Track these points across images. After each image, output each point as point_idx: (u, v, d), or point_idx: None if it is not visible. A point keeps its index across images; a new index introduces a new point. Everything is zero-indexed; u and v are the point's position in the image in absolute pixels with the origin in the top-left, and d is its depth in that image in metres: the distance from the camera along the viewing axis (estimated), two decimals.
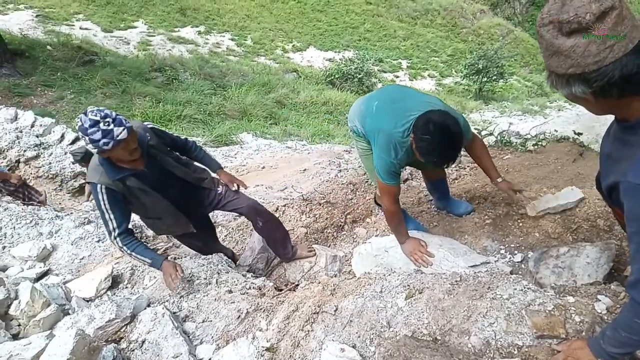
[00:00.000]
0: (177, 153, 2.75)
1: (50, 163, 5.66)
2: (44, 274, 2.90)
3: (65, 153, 5.90)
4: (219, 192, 2.85)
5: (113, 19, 17.26)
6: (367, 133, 2.53)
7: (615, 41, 1.02)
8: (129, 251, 2.42)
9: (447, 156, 2.16)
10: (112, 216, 2.36)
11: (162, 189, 2.52)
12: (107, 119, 2.13)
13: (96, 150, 2.18)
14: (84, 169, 5.38)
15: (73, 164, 5.39)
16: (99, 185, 2.31)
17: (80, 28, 15.43)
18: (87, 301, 2.54)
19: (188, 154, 2.82)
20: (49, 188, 5.48)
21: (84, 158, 4.76)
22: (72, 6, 17.41)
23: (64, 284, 2.66)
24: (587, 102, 1.16)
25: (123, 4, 18.70)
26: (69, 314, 2.36)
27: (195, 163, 2.86)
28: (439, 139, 2.07)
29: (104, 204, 2.33)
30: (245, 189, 3.06)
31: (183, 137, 2.84)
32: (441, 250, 2.56)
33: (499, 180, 2.60)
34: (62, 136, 6.19)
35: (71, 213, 4.14)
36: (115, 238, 2.39)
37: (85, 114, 2.13)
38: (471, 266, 2.40)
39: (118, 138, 2.15)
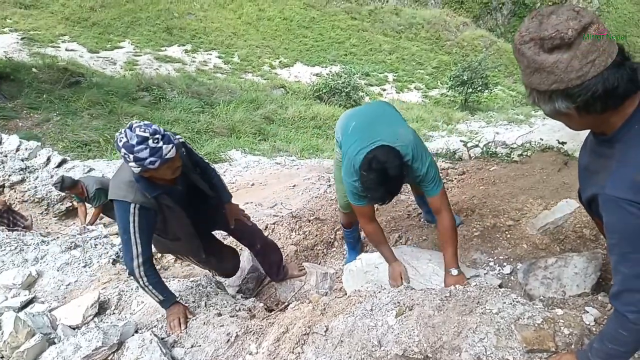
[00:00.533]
0: None
1: (36, 187, 5.60)
2: (29, 302, 2.84)
3: (51, 176, 5.85)
4: (224, 211, 2.79)
5: (99, 40, 17.30)
6: (342, 151, 2.53)
7: (596, 56, 1.04)
8: (146, 283, 2.22)
9: (376, 198, 2.19)
10: (138, 240, 2.15)
11: (185, 207, 2.38)
12: (156, 136, 1.97)
13: (139, 169, 2.01)
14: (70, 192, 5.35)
15: (54, 185, 5.32)
16: (132, 205, 2.11)
17: (66, 49, 15.45)
18: (74, 329, 2.48)
19: (205, 178, 2.60)
20: (35, 212, 5.42)
21: (63, 186, 4.73)
22: (57, 28, 17.44)
23: (50, 312, 2.60)
24: (570, 118, 1.17)
25: (109, 25, 18.78)
26: (54, 343, 2.30)
27: None
28: (373, 178, 2.07)
29: (133, 226, 2.13)
30: (249, 224, 3.00)
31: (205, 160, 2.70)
32: (430, 265, 2.56)
33: (451, 272, 2.34)
34: (48, 159, 6.15)
35: (57, 237, 4.08)
36: (138, 266, 2.16)
37: (131, 129, 1.95)
38: None
39: (166, 157, 2.00)
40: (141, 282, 2.23)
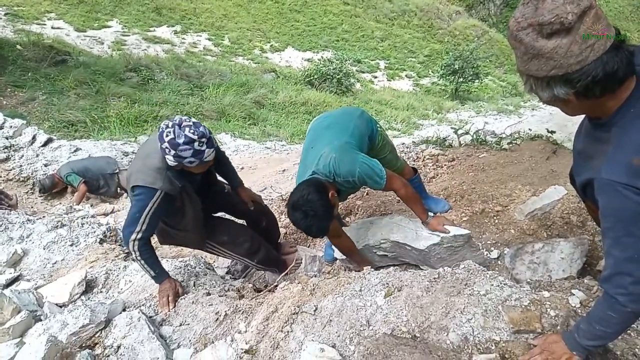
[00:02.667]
0: None
1: (21, 166, 5.50)
2: (15, 280, 2.81)
3: (37, 155, 5.75)
4: (225, 191, 2.87)
5: (86, 18, 16.88)
6: None
7: (595, 40, 1.03)
8: (139, 257, 2.27)
9: (315, 233, 2.36)
10: (147, 221, 2.20)
11: (199, 194, 2.48)
12: (203, 139, 2.04)
13: (175, 164, 2.09)
14: (55, 169, 5.27)
15: (38, 192, 5.32)
16: (159, 191, 2.16)
17: (52, 27, 15.05)
18: (60, 307, 2.46)
19: (217, 164, 2.63)
20: (20, 191, 5.32)
21: (46, 190, 4.73)
22: (42, 4, 16.96)
23: (36, 290, 2.58)
24: (568, 104, 1.17)
25: (96, 3, 18.31)
26: (40, 320, 2.28)
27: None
28: (301, 220, 2.22)
29: (151, 208, 2.18)
30: (262, 205, 3.08)
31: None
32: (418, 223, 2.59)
33: (428, 220, 2.52)
34: (34, 138, 6.03)
35: (43, 217, 4.02)
36: (134, 240, 2.21)
37: (180, 126, 2.00)
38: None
39: (206, 160, 2.11)
40: (133, 255, 2.28)
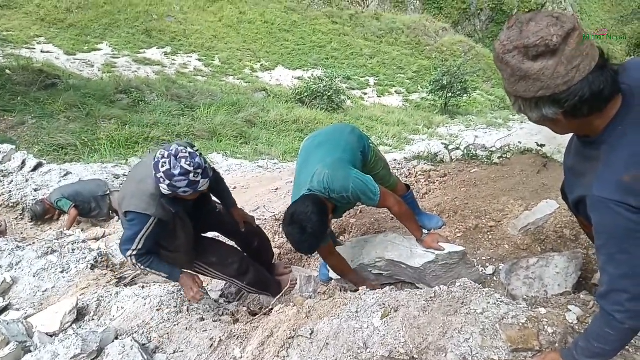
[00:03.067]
0: None
1: (10, 191, 5.43)
2: (4, 310, 2.75)
3: (27, 180, 5.69)
4: (217, 210, 2.85)
5: (76, 42, 16.95)
6: None
7: (581, 60, 1.05)
8: (143, 267, 2.34)
9: (308, 250, 2.35)
10: (142, 242, 2.26)
11: (191, 216, 2.51)
12: (199, 170, 2.07)
13: (168, 193, 2.12)
14: (45, 194, 5.22)
15: (30, 220, 5.26)
16: (152, 218, 2.20)
17: (42, 51, 15.09)
18: (51, 336, 2.41)
19: (212, 185, 2.59)
20: (9, 217, 5.25)
21: (38, 217, 4.70)
22: (32, 29, 17.03)
23: (25, 319, 2.52)
24: (557, 123, 1.18)
25: (86, 27, 18.42)
26: (30, 351, 2.22)
27: None
28: (297, 236, 2.20)
29: (144, 234, 2.23)
30: (255, 226, 3.06)
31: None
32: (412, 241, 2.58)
33: (422, 237, 2.52)
34: (23, 163, 5.98)
35: (33, 243, 3.96)
36: (131, 256, 2.28)
37: (176, 157, 2.03)
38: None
39: (200, 190, 2.13)
40: (139, 267, 2.38)
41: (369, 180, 2.29)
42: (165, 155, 2.06)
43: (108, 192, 5.29)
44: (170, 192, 2.12)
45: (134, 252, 2.27)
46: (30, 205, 5.22)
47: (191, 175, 2.05)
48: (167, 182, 2.05)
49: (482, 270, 2.62)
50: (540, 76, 1.07)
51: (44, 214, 5.15)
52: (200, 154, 2.22)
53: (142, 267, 2.35)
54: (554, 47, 1.04)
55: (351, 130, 2.61)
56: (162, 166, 2.05)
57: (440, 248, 2.42)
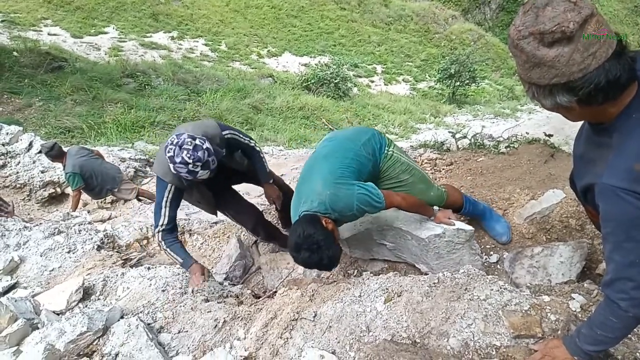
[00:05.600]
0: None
1: (17, 172, 5.48)
2: (11, 288, 2.79)
3: (34, 162, 5.73)
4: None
5: (83, 25, 16.91)
6: None
7: (597, 47, 1.02)
8: (165, 246, 2.60)
9: (324, 267, 2.21)
10: (167, 212, 2.54)
11: (214, 179, 2.61)
12: (197, 163, 2.25)
13: (174, 172, 2.33)
14: (52, 176, 5.26)
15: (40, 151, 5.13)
16: (169, 185, 2.50)
17: (49, 34, 15.07)
18: (58, 314, 2.44)
19: (248, 158, 2.94)
20: (16, 198, 5.30)
21: (49, 153, 4.70)
22: (39, 11, 16.99)
23: (33, 297, 2.55)
24: (571, 111, 1.16)
25: (93, 10, 18.35)
26: (37, 328, 2.26)
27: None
28: (306, 259, 2.12)
29: (166, 200, 2.53)
30: (285, 189, 3.25)
31: (252, 142, 2.88)
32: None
33: (435, 214, 2.49)
34: (30, 144, 6.02)
35: (40, 223, 4.00)
36: (159, 232, 2.56)
37: (180, 147, 2.22)
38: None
39: (199, 178, 2.33)
40: (162, 246, 2.63)
41: (371, 189, 2.19)
42: (174, 143, 2.25)
43: (116, 189, 5.22)
44: (175, 173, 2.32)
45: (161, 228, 2.55)
46: (55, 144, 5.02)
47: (190, 166, 2.24)
48: (171, 165, 2.28)
49: (486, 258, 2.62)
50: (556, 63, 1.04)
51: (57, 157, 4.99)
52: (246, 138, 2.73)
53: (165, 247, 2.60)
54: (570, 34, 1.01)
55: (368, 139, 2.42)
56: (168, 152, 2.26)
57: (450, 223, 2.42)
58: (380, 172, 2.47)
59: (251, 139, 2.89)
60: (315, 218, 2.15)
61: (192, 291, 2.54)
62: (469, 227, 2.45)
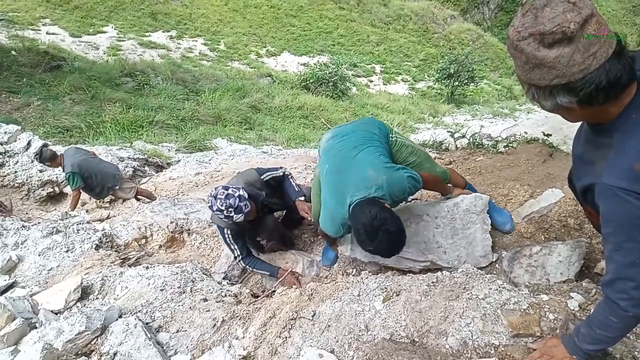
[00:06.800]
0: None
1: (16, 172, 5.46)
2: (9, 287, 2.78)
3: (32, 161, 5.71)
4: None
5: (81, 24, 16.88)
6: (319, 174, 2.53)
7: (598, 48, 1.01)
8: (250, 268, 3.03)
9: (380, 252, 2.11)
10: (236, 247, 2.95)
11: (256, 224, 3.09)
12: (230, 209, 2.59)
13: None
14: (50, 175, 5.24)
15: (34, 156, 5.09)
16: (224, 228, 2.88)
17: (47, 33, 15.04)
18: (56, 314, 2.43)
19: (280, 186, 3.18)
20: (14, 197, 5.29)
21: (42, 158, 4.68)
22: (37, 10, 16.96)
23: (31, 297, 2.55)
24: (571, 112, 1.15)
25: (92, 9, 18.32)
26: (35, 327, 2.25)
27: None
28: (384, 243, 2.02)
29: (229, 239, 2.92)
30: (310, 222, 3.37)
31: (280, 171, 3.14)
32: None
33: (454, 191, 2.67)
34: (29, 143, 6.01)
35: (38, 223, 3.99)
36: (239, 261, 3.00)
37: (215, 197, 2.59)
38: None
39: (236, 221, 2.67)
40: (249, 269, 3.08)
41: (412, 171, 2.23)
42: (212, 194, 2.63)
43: (117, 186, 5.20)
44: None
45: (240, 258, 2.97)
46: (42, 148, 4.99)
47: (224, 212, 2.58)
48: (212, 212, 2.70)
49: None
50: (556, 64, 1.03)
51: (51, 160, 4.98)
52: (278, 171, 3.09)
53: (250, 269, 3.04)
54: (571, 34, 1.00)
55: (378, 127, 2.50)
56: (208, 203, 2.67)
57: (468, 192, 2.59)
58: (394, 155, 2.53)
59: (280, 168, 3.19)
60: (379, 202, 2.10)
61: (191, 290, 2.54)
62: (485, 195, 2.56)
